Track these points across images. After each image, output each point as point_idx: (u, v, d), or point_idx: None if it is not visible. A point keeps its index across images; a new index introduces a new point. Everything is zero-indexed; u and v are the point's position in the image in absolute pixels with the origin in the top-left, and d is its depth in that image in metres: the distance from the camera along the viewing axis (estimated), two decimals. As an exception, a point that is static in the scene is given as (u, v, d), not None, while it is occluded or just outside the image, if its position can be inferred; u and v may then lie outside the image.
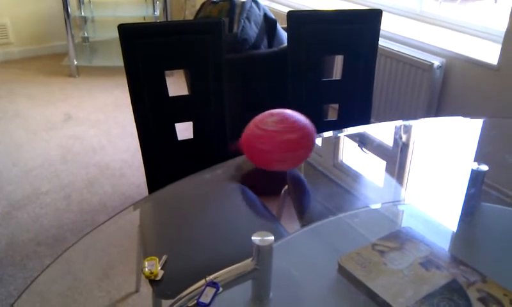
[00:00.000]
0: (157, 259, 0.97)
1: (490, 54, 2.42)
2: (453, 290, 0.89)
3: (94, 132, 3.26)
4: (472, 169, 1.25)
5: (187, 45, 1.58)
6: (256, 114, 1.19)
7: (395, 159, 1.44)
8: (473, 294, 0.88)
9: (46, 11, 4.57)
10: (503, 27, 2.38)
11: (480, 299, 0.87)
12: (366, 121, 1.95)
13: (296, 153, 1.12)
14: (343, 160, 1.43)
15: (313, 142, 1.15)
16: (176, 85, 3.95)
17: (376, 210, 1.18)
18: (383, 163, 1.42)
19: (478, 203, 1.21)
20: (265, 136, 1.11)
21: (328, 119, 2.01)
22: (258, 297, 0.89)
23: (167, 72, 4.11)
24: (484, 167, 1.22)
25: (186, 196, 1.26)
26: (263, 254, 0.85)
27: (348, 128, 1.61)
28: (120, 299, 0.92)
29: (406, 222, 1.11)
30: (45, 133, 3.23)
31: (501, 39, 2.30)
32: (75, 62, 4.15)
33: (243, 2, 2.44)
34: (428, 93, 2.57)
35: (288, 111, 1.17)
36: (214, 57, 1.62)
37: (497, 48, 2.44)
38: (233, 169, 1.34)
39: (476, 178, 1.24)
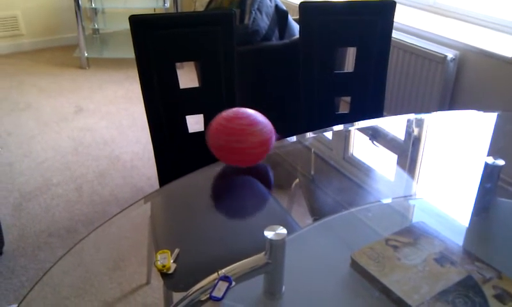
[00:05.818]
0: (169, 253, 0.97)
1: (504, 46, 2.38)
2: (468, 286, 0.88)
3: (105, 123, 3.27)
4: (487, 164, 1.23)
5: (198, 36, 1.58)
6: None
7: (407, 153, 1.42)
8: (488, 291, 0.87)
9: (57, 2, 4.58)
10: (518, 19, 2.34)
11: (496, 296, 0.86)
12: (378, 114, 1.94)
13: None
14: (354, 154, 1.41)
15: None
16: (187, 77, 3.95)
17: (387, 204, 1.17)
18: (395, 157, 1.40)
19: (493, 198, 1.19)
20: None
21: (340, 112, 2.00)
22: (270, 291, 0.88)
23: (177, 64, 4.11)
24: (501, 162, 1.20)
25: (197, 189, 1.26)
26: (276, 249, 0.84)
27: (359, 122, 1.59)
28: (131, 290, 0.92)
29: (418, 217, 1.10)
30: (56, 125, 3.24)
31: (516, 32, 2.26)
32: (86, 54, 4.16)
33: (254, -7, 2.42)
34: (441, 85, 2.54)
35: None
36: (225, 49, 1.61)
37: (512, 40, 2.40)
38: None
39: (491, 173, 1.23)
